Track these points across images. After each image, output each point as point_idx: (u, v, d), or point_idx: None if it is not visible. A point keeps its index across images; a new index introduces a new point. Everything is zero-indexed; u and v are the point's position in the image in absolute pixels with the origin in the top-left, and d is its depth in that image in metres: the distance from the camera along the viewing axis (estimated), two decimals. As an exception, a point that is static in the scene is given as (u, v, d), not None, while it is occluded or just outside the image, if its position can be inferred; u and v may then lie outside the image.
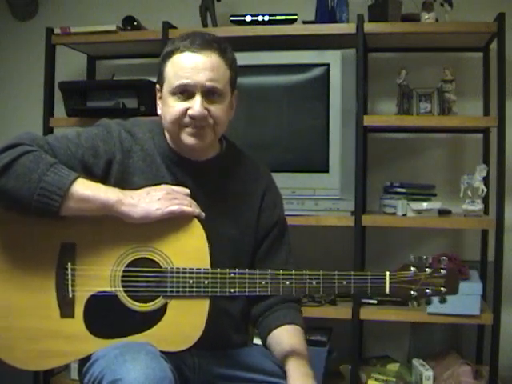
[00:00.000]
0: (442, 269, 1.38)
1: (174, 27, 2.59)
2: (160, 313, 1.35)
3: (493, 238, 2.34)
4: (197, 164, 1.48)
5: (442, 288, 1.38)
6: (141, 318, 1.35)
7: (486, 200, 2.46)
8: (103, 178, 1.41)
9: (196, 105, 1.38)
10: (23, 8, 3.06)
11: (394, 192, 2.49)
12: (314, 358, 2.34)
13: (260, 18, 2.54)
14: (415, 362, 2.44)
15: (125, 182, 1.42)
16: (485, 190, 2.37)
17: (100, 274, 1.35)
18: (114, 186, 1.39)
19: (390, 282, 1.37)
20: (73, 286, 1.35)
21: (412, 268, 1.38)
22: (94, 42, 2.66)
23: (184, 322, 1.35)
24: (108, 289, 1.35)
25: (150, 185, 1.41)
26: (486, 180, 2.39)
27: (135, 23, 2.65)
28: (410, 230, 2.62)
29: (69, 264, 1.35)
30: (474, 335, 2.59)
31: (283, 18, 2.53)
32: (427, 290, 1.38)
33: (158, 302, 1.35)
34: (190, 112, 1.39)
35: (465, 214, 2.40)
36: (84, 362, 1.35)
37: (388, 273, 1.37)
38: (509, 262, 2.40)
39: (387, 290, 1.37)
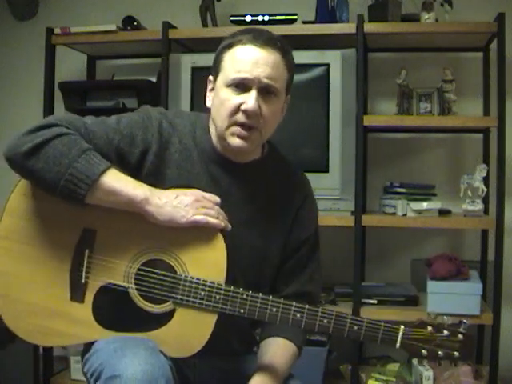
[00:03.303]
0: (459, 333, 1.32)
1: (174, 27, 2.59)
2: (167, 317, 1.34)
3: (493, 238, 2.34)
4: (236, 165, 1.44)
5: (455, 352, 1.32)
6: (147, 318, 1.34)
7: (486, 200, 2.46)
8: (136, 167, 1.38)
9: (251, 100, 1.34)
10: (23, 8, 3.06)
11: (394, 192, 2.49)
12: (314, 358, 2.36)
13: (260, 18, 2.54)
14: (415, 361, 2.44)
15: (158, 174, 1.39)
16: (485, 190, 2.37)
17: (115, 267, 1.35)
18: (147, 176, 1.37)
19: (403, 338, 1.32)
20: (87, 272, 1.35)
21: (429, 327, 1.32)
22: (94, 42, 2.66)
23: (188, 332, 1.34)
24: (121, 283, 1.35)
25: (183, 179, 1.39)
26: (486, 180, 2.39)
27: (135, 23, 2.65)
28: (410, 230, 2.62)
29: (87, 250, 1.35)
30: (474, 335, 2.58)
31: (283, 17, 2.53)
32: (440, 352, 1.32)
33: (166, 306, 1.34)
34: (243, 107, 1.34)
35: (465, 213, 2.40)
36: (86, 349, 1.36)
37: (402, 327, 1.32)
38: (509, 262, 2.40)
39: (398, 345, 1.31)
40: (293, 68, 1.43)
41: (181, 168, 1.41)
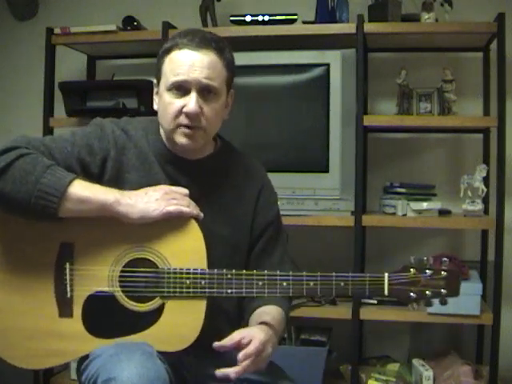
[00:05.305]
0: (442, 270, 1.36)
1: (174, 27, 2.59)
2: (157, 313, 1.35)
3: (493, 238, 2.34)
4: (190, 162, 1.49)
5: (442, 290, 1.36)
6: (138, 318, 1.35)
7: (486, 200, 2.46)
8: (99, 176, 1.41)
9: (191, 102, 1.38)
10: (23, 8, 3.06)
11: (394, 192, 2.49)
12: (314, 358, 2.36)
13: (260, 18, 2.54)
14: (415, 362, 2.44)
15: (119, 179, 1.42)
16: (485, 190, 2.38)
17: (98, 274, 1.36)
18: (108, 182, 1.40)
19: (389, 284, 1.35)
20: (71, 285, 1.36)
21: (412, 269, 1.36)
22: (94, 42, 2.66)
23: (181, 323, 1.35)
24: (106, 289, 1.35)
25: (143, 182, 1.41)
26: (486, 180, 2.39)
27: (135, 23, 2.65)
28: (410, 230, 2.62)
29: (67, 264, 1.36)
30: (474, 335, 2.59)
31: (283, 17, 2.53)
32: (427, 292, 1.36)
33: (155, 302, 1.35)
34: (185, 109, 1.39)
35: (465, 214, 2.40)
36: (82, 360, 1.36)
37: (387, 274, 1.36)
38: (509, 262, 2.40)
39: (386, 292, 1.35)
40: (232, 65, 1.47)
41: (139, 171, 1.45)
